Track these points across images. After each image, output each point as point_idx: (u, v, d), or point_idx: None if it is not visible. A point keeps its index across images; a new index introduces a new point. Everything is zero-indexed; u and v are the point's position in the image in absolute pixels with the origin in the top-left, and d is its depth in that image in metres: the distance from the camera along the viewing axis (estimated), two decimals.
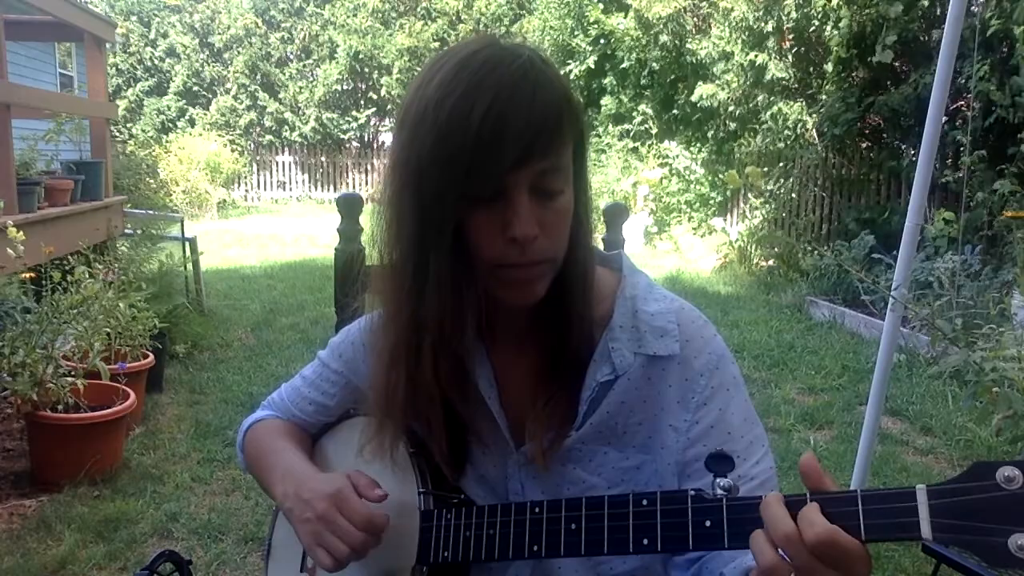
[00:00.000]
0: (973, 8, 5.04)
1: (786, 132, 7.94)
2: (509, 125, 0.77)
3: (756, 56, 7.81)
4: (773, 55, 7.87)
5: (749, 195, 9.06)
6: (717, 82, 8.62)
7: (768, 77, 7.86)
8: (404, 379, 0.89)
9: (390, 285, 0.88)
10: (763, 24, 7.72)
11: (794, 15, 7.44)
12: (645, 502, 0.78)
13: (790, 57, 7.98)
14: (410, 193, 0.82)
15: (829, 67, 7.50)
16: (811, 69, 8.02)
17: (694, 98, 9.02)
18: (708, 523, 0.74)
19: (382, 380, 0.93)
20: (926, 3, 6.54)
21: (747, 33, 7.88)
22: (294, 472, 1.00)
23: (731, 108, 8.56)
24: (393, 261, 0.87)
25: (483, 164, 0.77)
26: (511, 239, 0.80)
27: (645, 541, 0.77)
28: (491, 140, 0.76)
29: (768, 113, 7.88)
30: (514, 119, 0.77)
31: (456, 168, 0.78)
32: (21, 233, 3.60)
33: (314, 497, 0.93)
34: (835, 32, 7.14)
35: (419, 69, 0.86)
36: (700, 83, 8.94)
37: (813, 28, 7.58)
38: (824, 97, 7.64)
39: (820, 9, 7.28)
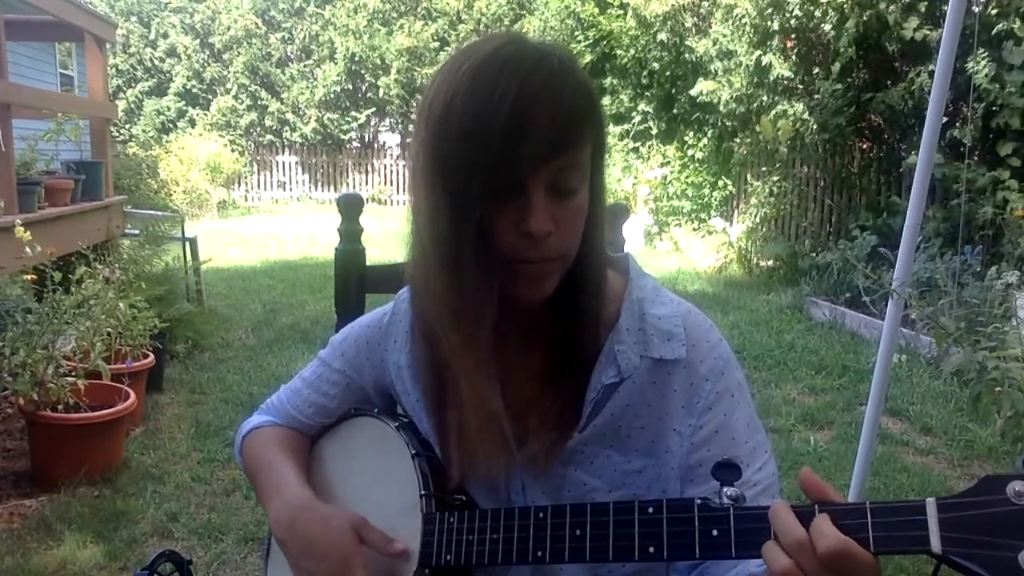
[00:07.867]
0: (974, 8, 5.00)
1: (788, 131, 7.90)
2: (534, 121, 0.77)
3: (761, 56, 7.76)
4: (777, 54, 7.82)
5: (749, 191, 9.03)
6: (719, 79, 8.59)
7: (773, 76, 7.81)
8: (441, 370, 0.91)
9: (423, 278, 0.88)
10: (768, 23, 7.66)
11: (798, 13, 7.38)
12: (651, 510, 0.77)
13: (793, 56, 7.93)
14: (437, 189, 0.82)
15: (835, 67, 7.44)
16: (814, 70, 7.97)
17: (693, 92, 8.98)
18: (715, 532, 0.73)
19: (425, 373, 0.96)
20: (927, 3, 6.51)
21: (751, 31, 7.82)
22: (291, 500, 0.99)
23: (732, 106, 8.52)
24: (425, 255, 0.87)
25: (506, 159, 0.77)
26: (525, 233, 0.80)
27: (651, 549, 0.76)
28: (516, 136, 0.76)
29: (772, 113, 7.83)
30: (539, 116, 0.77)
31: (481, 162, 0.78)
32: (28, 233, 3.60)
33: (315, 544, 0.93)
34: (843, 31, 7.09)
35: (419, 68, 0.86)
36: (701, 79, 8.89)
37: (816, 26, 7.52)
38: (819, 96, 7.60)
39: (824, 8, 7.21)
